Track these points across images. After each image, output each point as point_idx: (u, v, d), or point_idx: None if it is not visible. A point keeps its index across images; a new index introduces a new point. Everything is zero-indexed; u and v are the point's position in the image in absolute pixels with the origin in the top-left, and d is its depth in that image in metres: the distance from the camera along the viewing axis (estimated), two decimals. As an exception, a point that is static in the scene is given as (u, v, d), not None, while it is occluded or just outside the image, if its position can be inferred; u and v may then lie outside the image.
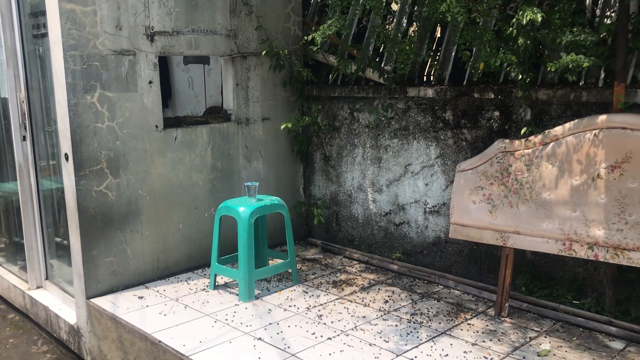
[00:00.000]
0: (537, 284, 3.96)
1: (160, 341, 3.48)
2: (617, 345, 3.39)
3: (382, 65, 4.70)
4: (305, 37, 4.27)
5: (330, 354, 3.29)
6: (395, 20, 4.75)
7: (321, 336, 3.52)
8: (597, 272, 3.73)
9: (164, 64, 6.61)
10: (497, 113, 4.07)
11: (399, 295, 4.16)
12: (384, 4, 4.26)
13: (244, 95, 4.93)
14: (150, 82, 4.30)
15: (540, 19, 3.28)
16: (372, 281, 4.45)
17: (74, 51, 3.90)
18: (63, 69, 3.88)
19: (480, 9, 3.45)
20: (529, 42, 3.46)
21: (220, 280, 4.47)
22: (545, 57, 3.78)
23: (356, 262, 4.89)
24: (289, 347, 3.38)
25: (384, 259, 4.78)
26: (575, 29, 3.35)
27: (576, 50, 3.38)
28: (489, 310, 3.89)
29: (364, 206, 4.99)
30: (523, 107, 3.92)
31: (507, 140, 3.77)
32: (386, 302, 4.04)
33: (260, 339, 3.50)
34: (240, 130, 4.92)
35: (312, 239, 5.46)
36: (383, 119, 4.70)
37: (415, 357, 3.25)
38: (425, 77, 4.68)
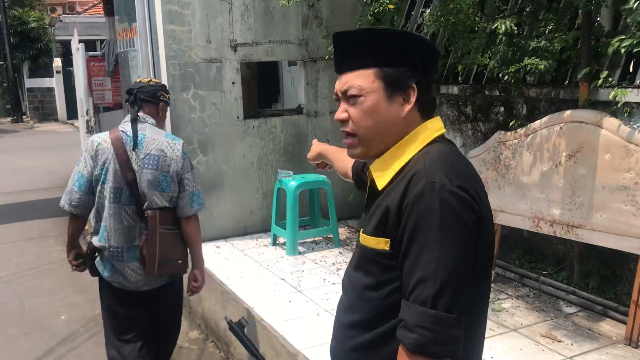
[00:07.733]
0: (527, 258, 4.51)
1: (213, 274, 4.72)
2: (570, 310, 3.90)
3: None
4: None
5: (326, 293, 4.26)
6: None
7: (330, 282, 4.49)
8: (573, 249, 4.20)
9: (274, 67, 7.92)
10: (502, 108, 4.66)
11: (414, 261, 4.94)
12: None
13: (314, 93, 5.99)
14: (233, 83, 5.56)
15: (510, 28, 3.91)
16: (400, 249, 5.27)
17: (174, 60, 5.29)
18: (166, 73, 5.28)
19: (455, 20, 4.14)
20: (506, 47, 4.09)
21: (282, 239, 5.61)
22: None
23: (398, 235, 5.71)
24: (299, 286, 4.41)
25: (420, 234, 5.55)
26: (540, 38, 3.92)
27: (545, 55, 3.94)
28: (481, 277, 4.53)
29: (411, 188, 5.77)
30: (521, 103, 4.49)
31: (503, 132, 4.38)
32: (400, 264, 4.86)
33: (283, 279, 4.58)
34: (310, 121, 6.00)
35: (374, 215, 6.35)
36: (423, 113, 5.45)
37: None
38: (459, 77, 5.35)
